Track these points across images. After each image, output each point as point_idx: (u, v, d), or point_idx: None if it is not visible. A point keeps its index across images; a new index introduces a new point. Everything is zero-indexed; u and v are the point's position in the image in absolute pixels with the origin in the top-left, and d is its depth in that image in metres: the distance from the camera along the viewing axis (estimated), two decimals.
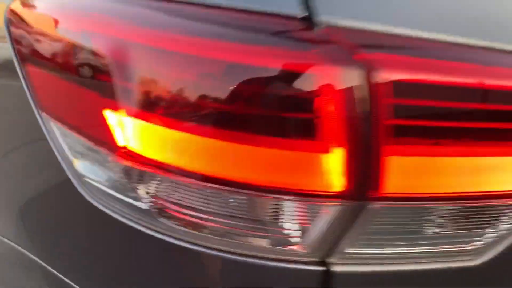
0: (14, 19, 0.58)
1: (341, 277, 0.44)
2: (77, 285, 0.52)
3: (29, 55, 0.55)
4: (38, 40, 0.54)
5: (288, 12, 0.40)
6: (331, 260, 0.44)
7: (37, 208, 0.57)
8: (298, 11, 0.40)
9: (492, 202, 0.44)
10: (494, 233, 0.47)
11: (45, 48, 0.52)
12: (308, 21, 0.40)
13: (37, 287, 0.58)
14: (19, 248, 0.59)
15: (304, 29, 0.39)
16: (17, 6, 0.59)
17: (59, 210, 0.54)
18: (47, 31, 0.53)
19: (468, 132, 0.40)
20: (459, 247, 0.47)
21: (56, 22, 0.51)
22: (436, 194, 0.41)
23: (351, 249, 0.44)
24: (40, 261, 0.57)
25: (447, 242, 0.46)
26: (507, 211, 0.47)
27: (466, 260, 0.47)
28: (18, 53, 0.57)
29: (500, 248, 0.48)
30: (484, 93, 0.40)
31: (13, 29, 0.59)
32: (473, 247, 0.47)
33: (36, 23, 0.55)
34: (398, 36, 0.39)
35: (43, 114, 0.53)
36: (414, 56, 0.39)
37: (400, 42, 0.39)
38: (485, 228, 0.47)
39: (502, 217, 0.47)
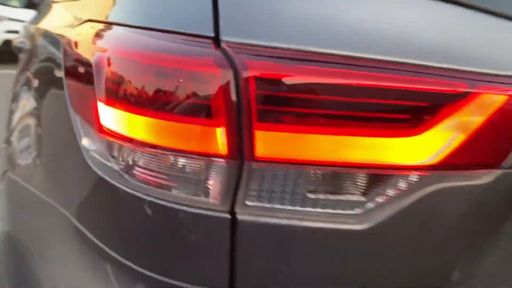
0: (70, 42, 0.84)
1: (244, 224, 0.60)
2: (85, 228, 0.74)
3: (68, 68, 0.80)
4: (72, 58, 0.79)
5: (203, 34, 0.59)
6: (236, 210, 0.60)
7: (69, 173, 0.81)
8: (210, 33, 0.59)
9: (347, 171, 0.58)
10: (372, 201, 0.60)
11: (74, 63, 0.77)
12: (215, 39, 0.58)
13: (59, 228, 0.81)
14: (58, 206, 0.83)
15: (210, 44, 0.58)
16: (77, 34, 0.84)
17: (78, 174, 0.77)
18: (78, 52, 0.77)
19: (315, 115, 0.55)
20: (341, 211, 0.61)
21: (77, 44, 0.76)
22: (298, 160, 0.57)
23: (249, 202, 0.60)
24: (68, 214, 0.80)
25: (329, 206, 0.60)
26: (379, 182, 0.60)
27: (351, 223, 0.61)
28: (65, 67, 0.82)
29: (382, 215, 0.61)
30: (322, 86, 0.55)
31: (67, 50, 0.84)
32: (355, 212, 0.61)
33: (75, 47, 0.80)
34: (270, 47, 0.56)
35: (73, 113, 0.77)
36: (276, 62, 0.55)
37: (269, 52, 0.56)
38: (363, 196, 0.60)
39: (376, 187, 0.60)
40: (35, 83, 1.12)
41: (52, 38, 1.06)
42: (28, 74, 1.21)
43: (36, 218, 0.90)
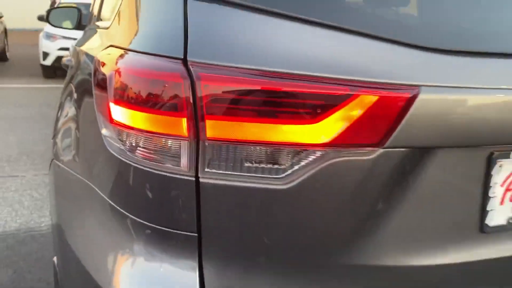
0: (95, 66, 1.16)
1: (205, 184, 0.89)
2: (103, 193, 1.05)
3: (95, 80, 1.12)
4: (98, 72, 1.10)
5: (176, 56, 0.89)
6: (200, 175, 0.89)
7: (96, 157, 1.12)
8: (180, 55, 0.88)
9: (272, 147, 0.85)
10: (291, 169, 0.88)
11: (99, 76, 1.08)
12: (184, 60, 0.88)
13: (91, 197, 1.12)
14: (87, 181, 1.15)
15: (180, 63, 0.87)
16: (103, 55, 1.16)
17: (100, 154, 1.07)
18: (100, 69, 1.09)
19: (247, 110, 0.84)
20: (270, 176, 0.88)
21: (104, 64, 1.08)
22: (237, 139, 0.85)
23: (208, 169, 0.89)
24: (95, 186, 1.11)
25: (261, 171, 0.88)
26: (295, 155, 0.87)
27: (278, 184, 0.88)
28: (94, 80, 1.14)
29: (298, 179, 0.88)
30: (251, 91, 0.83)
31: (96, 67, 1.16)
32: (279, 176, 0.88)
33: (102, 65, 1.12)
34: (219, 65, 0.85)
35: (97, 112, 1.08)
36: (219, 74, 0.84)
37: (217, 68, 0.84)
38: (285, 165, 0.88)
39: (293, 159, 0.87)
40: (76, 93, 1.46)
41: (89, 58, 1.40)
42: (71, 86, 1.56)
43: (72, 186, 1.22)
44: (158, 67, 0.88)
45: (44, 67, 9.96)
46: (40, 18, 10.95)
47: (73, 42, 3.58)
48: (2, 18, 12.45)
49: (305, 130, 0.85)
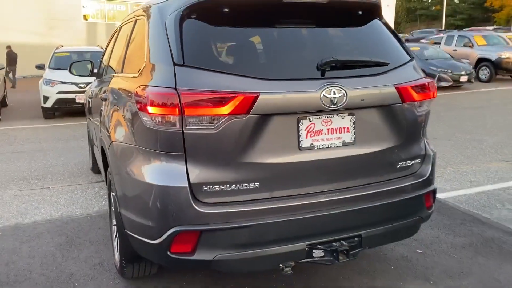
0: (136, 93, 2.70)
1: (186, 134, 2.40)
2: (142, 146, 2.60)
3: (136, 99, 2.66)
4: (138, 96, 2.65)
5: (171, 86, 2.43)
6: (184, 129, 2.42)
7: (139, 132, 2.66)
8: (172, 85, 2.43)
9: (212, 116, 2.41)
10: (218, 123, 2.43)
11: (138, 98, 2.63)
12: (175, 87, 2.43)
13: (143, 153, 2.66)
14: (132, 145, 2.69)
15: (174, 88, 2.41)
16: (138, 89, 2.71)
17: (141, 129, 2.61)
18: (137, 99, 2.64)
19: (204, 104, 2.39)
20: (210, 127, 2.44)
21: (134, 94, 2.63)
22: (198, 114, 2.39)
23: (187, 127, 2.42)
24: (134, 145, 2.66)
25: (207, 126, 2.43)
26: (222, 118, 2.42)
27: (213, 130, 2.43)
28: (136, 99, 2.69)
29: (222, 128, 2.43)
30: (205, 99, 2.38)
31: (135, 98, 2.71)
32: (214, 127, 2.43)
33: (140, 92, 2.67)
34: (192, 89, 2.40)
35: (140, 112, 2.62)
36: (191, 92, 2.38)
37: (191, 90, 2.38)
38: (214, 122, 2.43)
39: (220, 118, 2.43)
40: (122, 106, 3.00)
41: (127, 91, 2.94)
42: (116, 105, 3.12)
43: (124, 149, 2.78)
44: (165, 91, 2.43)
45: (44, 109, 11.29)
46: (38, 67, 12.45)
47: (93, 85, 5.21)
48: (2, 70, 13.89)
49: (220, 109, 2.38)
